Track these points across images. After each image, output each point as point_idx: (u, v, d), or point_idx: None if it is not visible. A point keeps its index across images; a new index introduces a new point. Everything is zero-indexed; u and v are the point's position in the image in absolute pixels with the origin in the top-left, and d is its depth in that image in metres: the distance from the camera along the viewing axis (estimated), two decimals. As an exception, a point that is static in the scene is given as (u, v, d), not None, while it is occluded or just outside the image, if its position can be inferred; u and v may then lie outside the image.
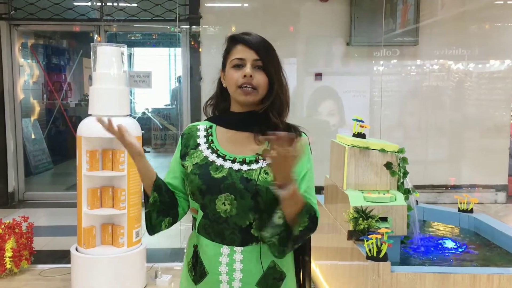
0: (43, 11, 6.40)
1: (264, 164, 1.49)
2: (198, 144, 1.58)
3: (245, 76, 1.49)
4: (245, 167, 1.50)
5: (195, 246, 1.57)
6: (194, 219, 1.61)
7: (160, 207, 1.55)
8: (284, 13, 6.40)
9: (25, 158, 7.03)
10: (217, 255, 1.50)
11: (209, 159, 1.53)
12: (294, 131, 1.56)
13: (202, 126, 1.63)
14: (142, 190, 1.59)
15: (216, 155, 1.54)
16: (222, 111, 1.63)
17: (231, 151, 1.54)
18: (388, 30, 6.30)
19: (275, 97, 1.54)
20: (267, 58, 1.52)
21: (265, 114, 1.54)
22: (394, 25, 6.37)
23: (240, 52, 1.51)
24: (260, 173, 1.47)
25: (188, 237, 1.66)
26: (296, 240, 1.47)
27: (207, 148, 1.56)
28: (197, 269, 1.55)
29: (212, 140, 1.58)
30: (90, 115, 3.65)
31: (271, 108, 1.54)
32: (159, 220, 1.57)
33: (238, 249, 1.49)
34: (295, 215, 1.42)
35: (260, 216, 1.47)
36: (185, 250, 1.66)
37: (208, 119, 1.65)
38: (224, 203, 1.48)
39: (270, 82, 1.52)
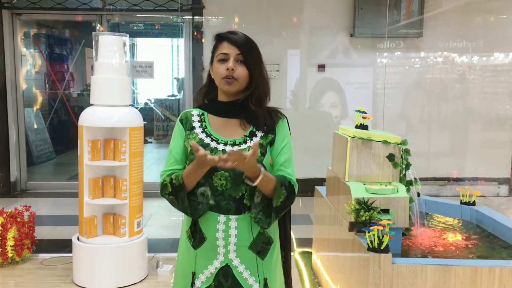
0: (46, 0, 6.37)
1: (252, 143, 1.74)
2: (193, 127, 1.81)
3: (227, 69, 1.72)
4: (235, 148, 1.74)
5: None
6: None
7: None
8: (287, 4, 6.36)
9: (28, 148, 7.03)
10: (215, 223, 1.73)
11: (204, 141, 1.76)
12: (274, 115, 1.80)
13: (195, 112, 1.86)
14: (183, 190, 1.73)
15: (210, 139, 1.77)
16: (211, 100, 1.87)
17: (223, 135, 1.78)
18: (392, 21, 6.26)
19: (255, 87, 1.76)
20: (248, 54, 1.74)
21: (248, 104, 1.77)
22: (398, 17, 6.32)
23: (225, 48, 1.74)
24: (248, 151, 1.66)
25: None
26: (280, 210, 1.73)
27: (202, 132, 1.79)
28: (196, 236, 1.77)
29: (205, 126, 1.81)
30: (92, 104, 3.64)
31: (250, 97, 1.76)
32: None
33: (233, 217, 1.73)
34: (272, 191, 1.69)
35: (251, 188, 1.71)
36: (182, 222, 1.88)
37: (199, 107, 1.87)
38: (220, 179, 1.71)
39: (250, 74, 1.75)
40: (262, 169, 1.65)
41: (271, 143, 1.77)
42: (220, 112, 1.81)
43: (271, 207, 1.71)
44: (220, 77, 1.74)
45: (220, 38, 1.77)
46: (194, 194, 1.73)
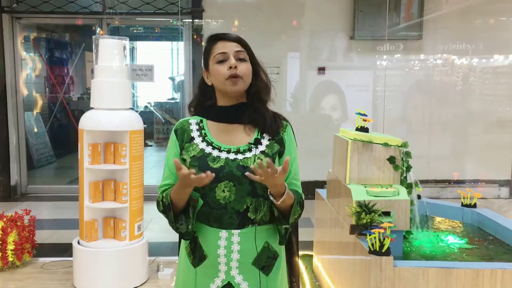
0: (46, 4, 6.39)
1: (257, 152, 1.63)
2: (193, 138, 1.68)
3: (230, 67, 1.60)
4: (240, 156, 1.61)
5: (193, 233, 1.66)
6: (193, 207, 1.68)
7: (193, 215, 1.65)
8: (287, 7, 6.36)
9: (28, 152, 7.03)
10: (216, 239, 1.62)
11: (205, 151, 1.64)
12: (279, 119, 1.70)
13: (193, 120, 1.73)
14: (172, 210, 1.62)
15: (211, 147, 1.64)
16: (209, 107, 1.72)
17: (225, 142, 1.65)
18: (392, 24, 6.26)
19: (258, 85, 1.66)
20: (247, 48, 1.66)
21: (252, 105, 1.67)
22: (398, 19, 6.33)
23: (222, 47, 1.63)
24: (254, 160, 1.60)
25: None
26: (292, 226, 1.68)
27: (202, 141, 1.66)
28: (196, 254, 1.66)
29: (205, 134, 1.68)
30: (92, 108, 3.64)
31: (257, 96, 1.67)
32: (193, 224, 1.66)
33: (235, 232, 1.61)
34: (289, 208, 1.59)
35: (257, 200, 1.61)
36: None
37: (197, 114, 1.74)
38: (223, 190, 1.59)
39: (253, 69, 1.66)
40: (286, 185, 1.55)
41: (279, 153, 1.66)
42: (221, 117, 1.68)
43: (285, 222, 1.63)
44: (222, 79, 1.61)
45: (213, 38, 1.67)
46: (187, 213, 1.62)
